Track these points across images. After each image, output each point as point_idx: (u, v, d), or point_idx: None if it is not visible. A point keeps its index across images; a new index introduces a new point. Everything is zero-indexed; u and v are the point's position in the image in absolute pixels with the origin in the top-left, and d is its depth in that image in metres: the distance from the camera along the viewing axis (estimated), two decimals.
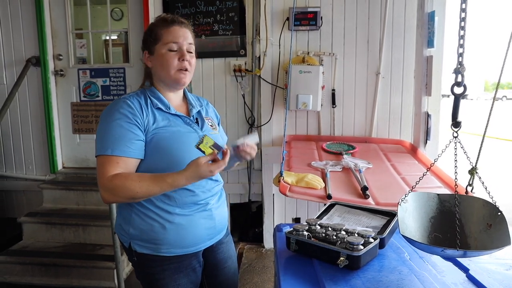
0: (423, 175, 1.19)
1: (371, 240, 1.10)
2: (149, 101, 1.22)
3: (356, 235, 1.11)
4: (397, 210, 1.10)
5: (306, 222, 1.23)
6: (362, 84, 2.96)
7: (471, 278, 1.02)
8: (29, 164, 3.29)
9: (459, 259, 1.11)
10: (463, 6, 1.10)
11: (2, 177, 3.30)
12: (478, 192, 1.16)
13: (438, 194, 1.18)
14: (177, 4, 3.01)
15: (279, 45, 2.95)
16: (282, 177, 1.89)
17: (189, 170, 1.07)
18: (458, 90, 1.11)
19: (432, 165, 1.23)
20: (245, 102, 3.07)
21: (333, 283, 0.99)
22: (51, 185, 3.06)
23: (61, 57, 3.21)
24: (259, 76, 2.98)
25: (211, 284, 1.39)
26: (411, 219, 1.13)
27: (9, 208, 3.35)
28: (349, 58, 2.94)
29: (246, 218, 3.28)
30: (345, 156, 2.37)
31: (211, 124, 1.36)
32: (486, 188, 1.06)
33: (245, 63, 3.00)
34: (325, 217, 1.35)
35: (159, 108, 1.22)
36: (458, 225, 1.03)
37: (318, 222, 1.22)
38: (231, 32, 3.00)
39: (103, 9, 4.05)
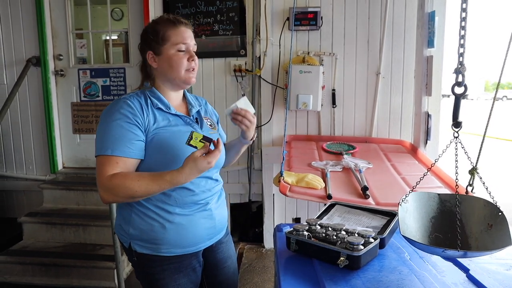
0: (424, 175, 1.19)
1: (371, 240, 1.10)
2: (149, 101, 1.22)
3: (356, 235, 1.11)
4: (397, 210, 1.10)
5: (306, 222, 1.23)
6: (362, 84, 2.96)
7: (471, 278, 1.02)
8: (29, 164, 3.29)
9: (459, 259, 1.10)
10: (464, 6, 1.10)
11: (3, 177, 3.30)
12: (479, 192, 1.15)
13: (438, 194, 1.18)
14: (177, 4, 3.01)
15: (279, 45, 2.94)
16: (282, 177, 1.89)
17: (187, 166, 1.07)
18: (458, 90, 1.11)
19: (432, 165, 1.23)
20: None
21: (333, 283, 0.99)
22: (51, 185, 3.07)
23: (61, 57, 3.21)
24: (259, 76, 2.98)
25: (211, 284, 1.39)
26: (412, 219, 1.13)
27: (9, 208, 3.35)
28: (349, 58, 2.94)
29: (246, 218, 3.28)
30: (345, 156, 2.37)
31: (210, 123, 1.36)
32: (486, 188, 1.05)
33: (245, 63, 3.00)
34: (325, 217, 1.35)
35: (159, 108, 1.22)
36: (458, 225, 1.03)
37: (318, 222, 1.22)
38: (231, 32, 3.00)
39: (103, 9, 4.04)
